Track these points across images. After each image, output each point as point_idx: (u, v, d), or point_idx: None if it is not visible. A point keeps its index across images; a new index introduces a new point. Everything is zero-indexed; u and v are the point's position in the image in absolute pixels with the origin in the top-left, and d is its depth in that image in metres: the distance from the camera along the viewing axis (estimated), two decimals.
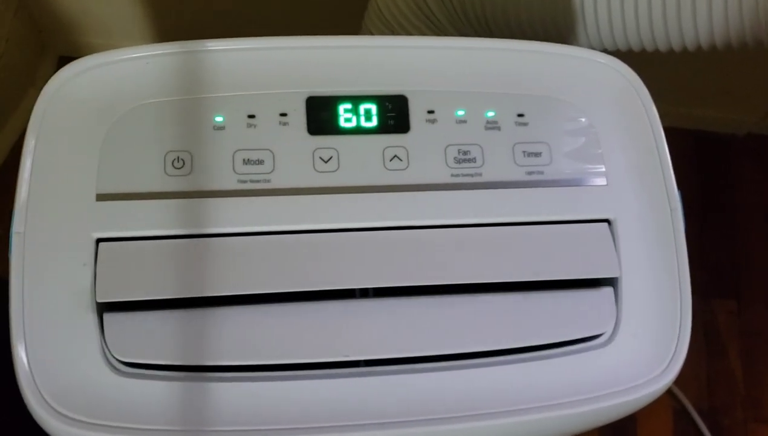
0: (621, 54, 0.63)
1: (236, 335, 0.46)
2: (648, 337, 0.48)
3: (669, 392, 1.22)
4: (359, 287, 0.47)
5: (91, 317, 0.44)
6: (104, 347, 0.44)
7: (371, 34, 0.75)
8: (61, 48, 1.18)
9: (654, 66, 0.63)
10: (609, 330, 0.48)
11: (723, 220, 1.33)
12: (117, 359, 0.44)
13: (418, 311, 0.48)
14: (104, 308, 0.45)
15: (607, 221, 0.50)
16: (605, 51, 0.59)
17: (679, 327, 0.48)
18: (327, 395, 0.45)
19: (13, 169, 0.46)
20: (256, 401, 0.44)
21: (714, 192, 1.34)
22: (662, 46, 0.71)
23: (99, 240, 0.46)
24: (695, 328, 1.28)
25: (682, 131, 1.35)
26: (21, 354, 0.43)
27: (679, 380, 1.28)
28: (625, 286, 0.49)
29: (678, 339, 0.48)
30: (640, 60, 0.62)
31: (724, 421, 1.23)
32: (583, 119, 0.51)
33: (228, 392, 0.44)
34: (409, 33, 0.72)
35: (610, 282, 0.49)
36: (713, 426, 1.22)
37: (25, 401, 0.43)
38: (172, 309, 0.46)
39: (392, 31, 0.72)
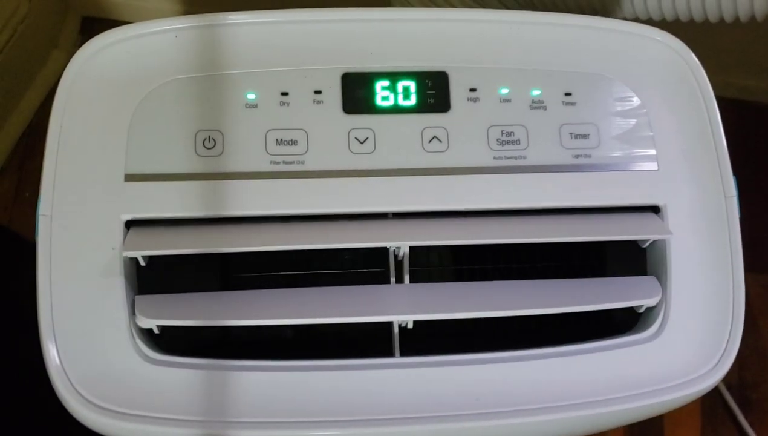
0: (657, 23, 0.60)
1: (269, 309, 0.44)
2: (697, 331, 0.46)
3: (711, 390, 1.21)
4: (395, 244, 0.45)
5: (122, 303, 0.43)
6: (134, 333, 0.43)
7: (410, 6, 0.72)
8: (84, 8, 1.16)
9: (693, 34, 0.59)
10: (657, 298, 0.46)
11: (759, 192, 1.29)
12: (148, 346, 0.43)
13: (463, 291, 0.46)
14: (135, 293, 0.44)
15: (656, 207, 0.48)
16: (650, 22, 0.56)
17: (731, 322, 0.46)
18: (359, 387, 0.44)
19: (39, 130, 0.44)
20: (286, 393, 0.43)
21: (752, 163, 1.29)
22: (712, 17, 0.67)
23: (128, 223, 0.44)
24: None
25: (722, 100, 1.30)
26: (50, 343, 0.42)
27: None
28: (674, 278, 0.46)
29: (729, 336, 0.46)
30: (678, 27, 0.59)
31: (753, 396, 1.21)
32: (634, 100, 0.48)
33: (258, 383, 0.43)
34: (450, 5, 0.68)
35: (656, 273, 0.47)
36: (742, 401, 1.20)
37: (55, 389, 0.42)
38: (202, 292, 0.44)
39: (433, 3, 0.69)
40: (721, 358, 0.46)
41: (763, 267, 1.27)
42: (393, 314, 0.44)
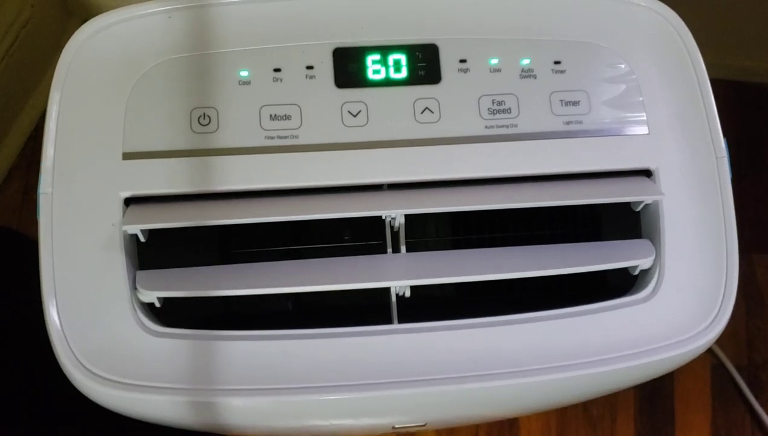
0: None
1: (268, 278, 0.44)
2: (692, 291, 0.47)
3: (707, 348, 1.20)
4: (391, 212, 0.46)
5: (123, 277, 0.44)
6: (135, 306, 0.44)
7: None
8: (86, 12, 1.17)
9: (692, 15, 0.60)
10: (650, 259, 0.46)
11: (763, 172, 1.29)
12: (149, 319, 0.44)
13: (459, 258, 0.47)
14: (136, 268, 0.45)
15: (648, 171, 0.48)
16: None
17: (725, 281, 0.46)
18: (359, 354, 0.44)
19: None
20: (287, 360, 0.44)
21: (753, 144, 1.29)
22: None
23: (127, 199, 0.45)
24: None
25: (720, 82, 1.30)
26: (53, 315, 0.43)
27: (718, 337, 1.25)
28: (667, 239, 0.47)
29: (724, 294, 0.46)
30: (678, 9, 0.59)
31: (762, 376, 1.21)
32: (623, 65, 0.49)
33: (258, 351, 0.43)
34: None
35: (650, 236, 0.48)
36: (752, 382, 1.20)
37: (59, 361, 0.43)
38: (203, 266, 0.45)
39: None
40: (716, 316, 0.46)
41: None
42: (389, 280, 0.44)
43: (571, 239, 0.49)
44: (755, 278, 1.26)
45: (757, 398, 1.19)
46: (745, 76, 1.31)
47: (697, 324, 0.46)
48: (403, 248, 0.47)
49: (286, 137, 0.46)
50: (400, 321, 0.46)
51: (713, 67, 1.36)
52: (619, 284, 0.48)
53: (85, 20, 1.24)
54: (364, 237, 0.49)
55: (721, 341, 1.25)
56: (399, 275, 0.45)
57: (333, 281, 0.44)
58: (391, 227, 0.47)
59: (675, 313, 0.46)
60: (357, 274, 0.44)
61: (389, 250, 0.47)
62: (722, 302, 0.46)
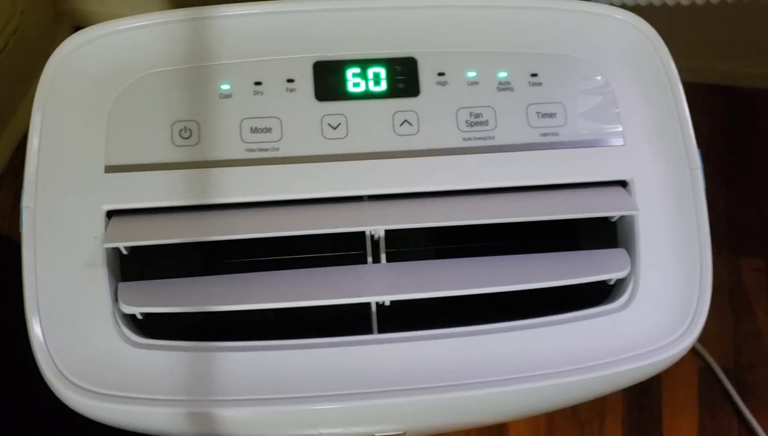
0: (642, 10, 0.61)
1: (250, 293, 0.45)
2: (666, 300, 0.47)
3: (694, 352, 1.21)
4: (372, 228, 0.47)
5: (105, 290, 0.44)
6: (118, 319, 0.44)
7: None
8: (76, 19, 1.18)
9: (678, 20, 0.61)
10: (625, 272, 0.47)
11: (751, 176, 1.30)
12: (131, 331, 0.45)
13: (438, 269, 0.47)
14: (118, 280, 0.45)
15: (624, 182, 0.49)
16: (625, 6, 0.57)
17: (699, 290, 0.47)
18: (338, 364, 0.45)
19: None
20: (266, 371, 0.44)
21: (742, 148, 1.31)
22: None
23: (109, 212, 0.46)
24: (721, 287, 1.27)
25: (709, 87, 1.31)
26: (36, 328, 0.43)
27: (705, 340, 1.27)
28: (642, 248, 0.48)
29: (697, 302, 0.47)
30: (664, 14, 0.60)
31: (749, 380, 1.22)
32: (599, 78, 0.50)
33: (238, 362, 0.44)
34: None
35: (625, 246, 0.48)
36: (739, 385, 1.21)
37: (42, 374, 0.43)
38: (184, 277, 0.46)
39: None
40: (690, 324, 0.47)
41: (755, 251, 1.28)
42: (369, 296, 0.45)
43: (550, 246, 0.50)
44: (742, 282, 1.27)
45: (744, 401, 1.20)
46: (732, 81, 1.32)
47: (671, 333, 0.47)
48: (383, 258, 0.48)
49: (266, 150, 0.47)
50: (380, 330, 0.47)
51: (700, 72, 1.37)
52: (594, 292, 0.49)
53: (76, 28, 1.25)
54: (346, 246, 0.49)
55: (708, 344, 1.27)
56: (378, 289, 0.45)
57: (312, 297, 0.44)
58: (372, 237, 0.48)
59: (650, 322, 0.47)
60: (336, 289, 0.45)
61: (369, 259, 0.48)
62: (696, 310, 0.47)
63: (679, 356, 0.47)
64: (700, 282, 0.47)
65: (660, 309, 0.47)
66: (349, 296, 0.45)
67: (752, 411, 1.19)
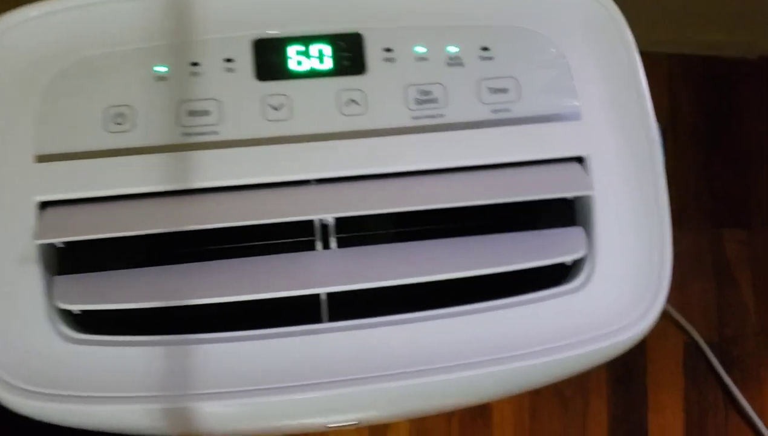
0: None
1: (193, 286, 0.44)
2: (626, 279, 0.46)
3: (678, 326, 1.20)
4: (320, 217, 0.45)
5: (38, 285, 0.43)
6: (53, 314, 0.43)
7: None
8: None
9: None
10: (581, 253, 0.45)
11: (733, 147, 1.28)
12: (67, 326, 0.43)
13: (388, 254, 0.46)
14: (52, 273, 0.44)
15: (580, 158, 0.47)
16: None
17: (659, 268, 0.46)
18: (285, 355, 0.43)
19: None
20: (212, 364, 0.43)
21: (723, 118, 1.29)
22: None
23: (42, 203, 0.44)
24: (704, 259, 1.25)
25: (690, 57, 1.29)
26: None
27: (689, 313, 1.26)
28: (599, 226, 0.46)
29: (659, 278, 0.45)
30: None
31: (734, 352, 1.21)
32: (553, 50, 0.48)
33: (181, 355, 0.42)
34: None
35: (583, 224, 0.47)
36: (724, 358, 1.20)
37: None
38: (123, 269, 0.44)
39: None
40: (651, 303, 0.45)
41: (739, 222, 1.26)
42: (314, 287, 0.43)
43: (507, 224, 0.48)
44: (725, 254, 1.25)
45: (729, 374, 1.19)
46: (714, 51, 1.30)
47: (631, 312, 0.45)
48: (333, 244, 0.46)
49: (204, 133, 0.45)
50: (332, 317, 0.45)
51: (682, 43, 1.35)
52: (553, 271, 0.47)
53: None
54: (296, 231, 0.47)
55: (692, 317, 1.26)
56: (325, 279, 0.43)
57: (257, 290, 0.42)
58: (321, 223, 0.46)
59: (609, 302, 0.45)
60: (282, 281, 0.43)
61: (319, 245, 0.46)
62: (657, 288, 0.45)
63: (641, 335, 0.46)
64: (660, 259, 0.46)
65: (619, 288, 0.46)
66: (295, 289, 0.43)
67: (737, 384, 1.18)
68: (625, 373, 1.18)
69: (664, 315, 1.20)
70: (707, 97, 1.29)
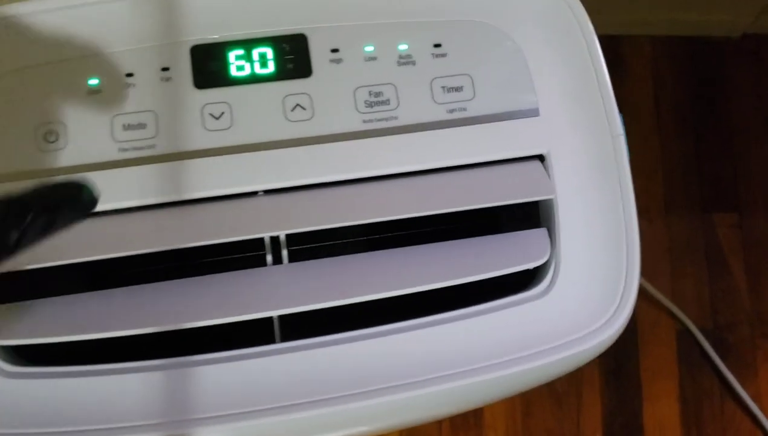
0: None
1: (135, 313, 0.41)
2: (592, 281, 0.43)
3: (671, 314, 1.18)
4: (268, 235, 0.43)
5: None
6: None
7: None
8: None
9: None
10: (544, 259, 0.43)
11: (721, 129, 1.26)
12: (3, 360, 0.41)
13: (342, 269, 0.43)
14: None
15: (540, 156, 0.45)
16: None
17: (626, 267, 0.43)
18: (237, 379, 0.41)
19: None
20: (156, 393, 0.40)
21: (710, 100, 1.26)
22: None
23: None
24: (695, 245, 1.23)
25: (673, 39, 1.26)
26: None
27: (681, 301, 1.23)
28: (563, 228, 0.44)
29: (625, 284, 0.43)
30: None
31: (729, 339, 1.19)
32: (509, 43, 0.45)
33: (124, 385, 0.40)
34: None
35: (546, 224, 0.44)
36: (719, 345, 1.18)
37: None
38: (46, 298, 0.42)
39: None
40: (617, 309, 0.43)
41: (729, 206, 1.24)
42: (261, 310, 0.41)
43: (467, 226, 0.45)
44: (716, 239, 1.23)
45: (723, 360, 1.17)
46: (697, 31, 1.27)
47: (599, 316, 0.43)
48: (285, 258, 0.44)
49: (141, 148, 0.42)
50: (284, 336, 0.43)
51: (663, 25, 1.32)
52: (516, 275, 0.45)
53: None
54: (244, 245, 0.45)
55: (684, 305, 1.24)
56: (277, 301, 0.41)
57: (200, 317, 0.40)
58: (271, 237, 0.44)
59: (575, 306, 0.43)
60: (228, 306, 0.41)
61: (269, 258, 0.44)
62: (623, 292, 0.43)
63: (611, 340, 0.43)
64: (627, 259, 0.43)
65: (585, 292, 0.43)
66: (243, 313, 0.41)
67: (732, 371, 1.16)
68: (618, 365, 1.16)
69: (656, 304, 1.18)
70: (692, 79, 1.26)
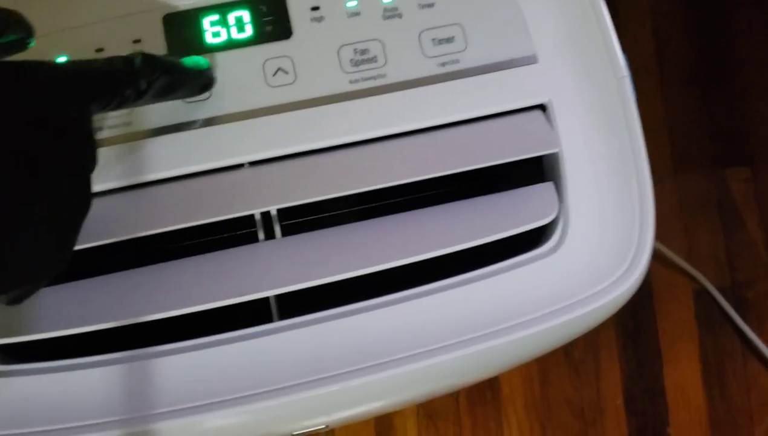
0: None
1: (125, 301, 0.39)
2: (603, 235, 0.41)
3: (686, 274, 1.15)
4: (259, 211, 0.40)
5: None
6: None
7: None
8: None
9: None
10: (552, 217, 0.41)
11: (730, 82, 1.22)
12: None
13: (339, 240, 0.41)
14: None
15: (542, 106, 0.42)
16: None
17: (639, 218, 0.41)
18: (235, 362, 0.39)
19: None
20: (154, 381, 0.38)
21: (716, 51, 1.22)
22: None
23: None
24: (709, 202, 1.20)
25: None
26: None
27: (697, 261, 1.20)
28: (570, 181, 0.41)
29: (639, 234, 0.40)
30: None
31: (748, 295, 1.16)
32: None
33: (112, 377, 0.38)
34: None
35: (552, 177, 0.42)
36: (737, 303, 1.15)
37: None
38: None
39: None
40: (632, 261, 0.40)
41: (740, 160, 1.21)
42: (263, 290, 0.39)
43: (469, 185, 0.43)
44: (730, 194, 1.20)
45: (744, 318, 1.14)
46: None
47: (614, 270, 0.40)
48: (277, 232, 0.41)
49: (116, 126, 0.40)
50: (283, 313, 0.41)
51: None
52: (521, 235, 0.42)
53: None
54: (234, 223, 0.43)
55: (700, 264, 1.20)
56: (273, 280, 0.39)
57: (191, 302, 0.38)
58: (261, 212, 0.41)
59: (588, 262, 0.41)
60: (221, 288, 0.38)
61: (261, 235, 0.41)
62: (638, 241, 0.40)
63: (626, 297, 0.41)
64: (640, 208, 0.41)
65: (597, 246, 0.41)
66: (237, 295, 0.38)
67: (753, 328, 1.13)
68: (635, 329, 1.14)
69: (671, 265, 1.15)
70: (696, 28, 1.22)
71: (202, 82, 0.39)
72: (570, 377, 1.12)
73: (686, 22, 1.22)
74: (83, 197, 0.31)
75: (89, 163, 0.31)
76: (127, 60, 0.33)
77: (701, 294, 1.15)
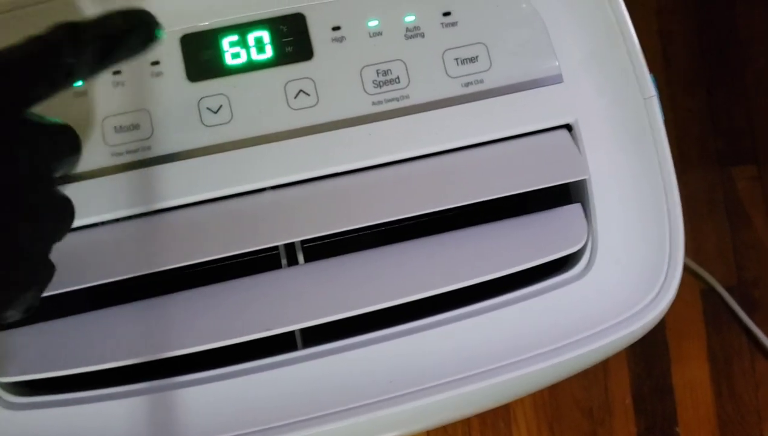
0: None
1: (148, 334, 0.39)
2: (633, 259, 0.40)
3: (693, 274, 1.15)
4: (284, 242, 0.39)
5: None
6: None
7: None
8: None
9: None
10: (581, 243, 0.40)
11: (735, 80, 1.22)
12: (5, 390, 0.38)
13: (366, 268, 0.40)
14: None
15: (567, 126, 0.41)
16: None
17: (669, 239, 0.40)
18: (258, 392, 0.38)
19: None
20: (176, 413, 0.38)
21: (724, 48, 1.22)
22: None
23: None
24: (715, 201, 1.19)
25: None
26: None
27: (704, 259, 1.19)
28: (597, 200, 0.40)
29: (669, 255, 0.40)
30: None
31: (755, 294, 1.16)
32: (524, 5, 0.42)
33: (134, 409, 0.37)
34: None
35: (579, 198, 0.41)
36: (744, 301, 1.15)
37: None
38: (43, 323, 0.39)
39: None
40: (664, 281, 0.40)
41: (746, 159, 1.20)
42: (277, 326, 0.38)
43: (496, 206, 0.42)
44: (736, 192, 1.19)
45: (751, 317, 1.14)
46: None
47: (643, 295, 0.40)
48: (300, 259, 0.41)
49: (136, 151, 0.39)
50: (307, 341, 0.40)
51: None
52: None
53: None
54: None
55: (707, 263, 1.20)
56: (297, 314, 0.38)
57: (213, 338, 0.37)
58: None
59: (616, 287, 0.40)
60: (243, 323, 0.38)
61: (284, 262, 0.41)
62: (669, 264, 0.40)
63: (656, 320, 0.40)
64: (669, 229, 0.40)
65: (627, 270, 0.40)
66: (261, 331, 0.38)
67: (761, 327, 1.13)
68: None
69: None
70: (702, 27, 1.21)
71: (144, 31, 0.33)
72: (578, 376, 1.12)
73: (692, 21, 1.21)
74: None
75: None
76: (47, 39, 0.28)
77: (709, 293, 1.15)
